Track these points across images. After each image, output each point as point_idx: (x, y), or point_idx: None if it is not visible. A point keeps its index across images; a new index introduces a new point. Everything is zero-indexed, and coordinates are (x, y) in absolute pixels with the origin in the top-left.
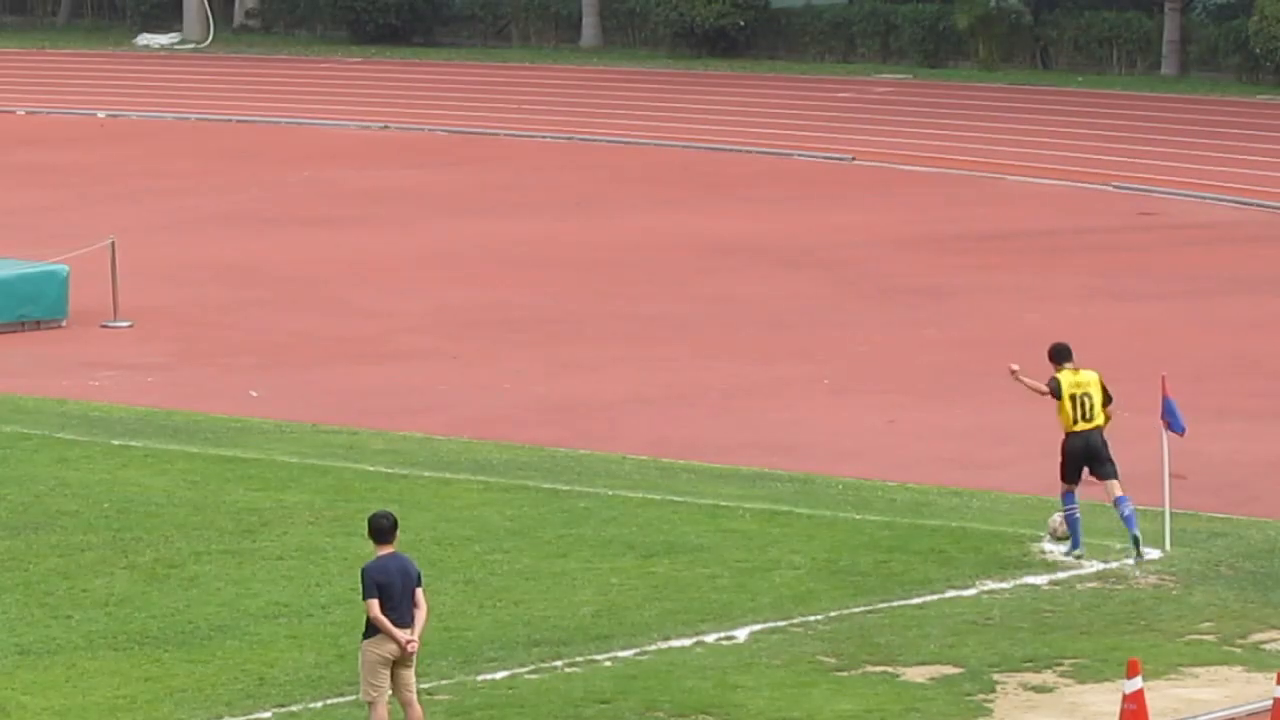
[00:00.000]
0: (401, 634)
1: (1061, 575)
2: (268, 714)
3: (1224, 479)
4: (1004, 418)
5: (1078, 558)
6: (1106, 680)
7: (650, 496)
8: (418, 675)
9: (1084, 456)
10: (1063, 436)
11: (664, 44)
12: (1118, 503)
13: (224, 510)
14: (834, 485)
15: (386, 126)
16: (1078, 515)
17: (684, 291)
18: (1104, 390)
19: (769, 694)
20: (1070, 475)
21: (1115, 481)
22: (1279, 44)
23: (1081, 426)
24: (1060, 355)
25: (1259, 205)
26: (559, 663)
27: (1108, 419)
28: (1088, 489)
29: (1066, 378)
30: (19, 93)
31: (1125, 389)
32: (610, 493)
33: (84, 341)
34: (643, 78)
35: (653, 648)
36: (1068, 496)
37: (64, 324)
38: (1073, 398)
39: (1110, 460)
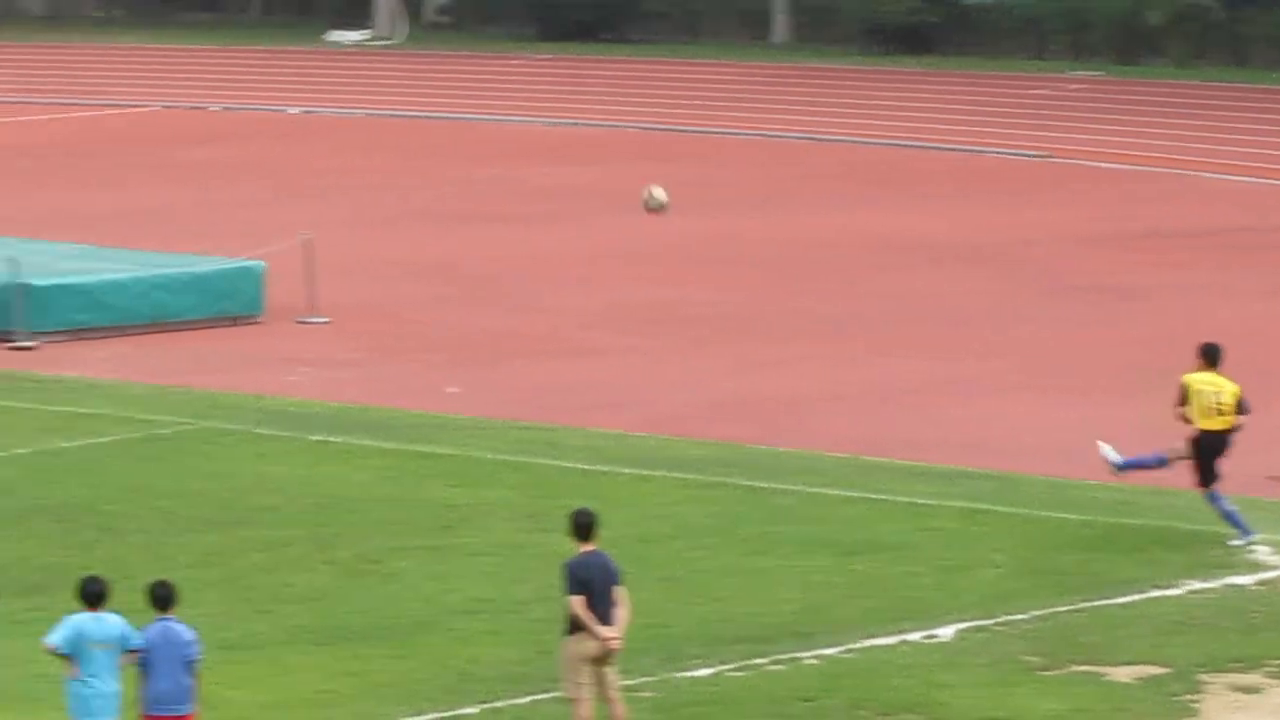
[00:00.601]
0: (604, 631)
1: (1268, 575)
2: (474, 709)
3: None
4: None
5: (1253, 546)
6: None
7: (848, 494)
8: (621, 672)
9: (1218, 453)
10: (1195, 433)
11: (855, 41)
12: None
13: (422, 506)
14: (1032, 483)
15: (576, 123)
16: (1230, 508)
17: (868, 289)
18: (1239, 403)
19: (974, 693)
20: (1205, 477)
21: None
22: None
23: (1216, 424)
24: (1207, 356)
25: None
26: (763, 660)
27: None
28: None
29: (1197, 379)
30: (212, 89)
31: None
32: (809, 490)
33: (280, 337)
34: (833, 74)
35: (856, 646)
36: (1212, 496)
37: (260, 320)
38: (1201, 393)
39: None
